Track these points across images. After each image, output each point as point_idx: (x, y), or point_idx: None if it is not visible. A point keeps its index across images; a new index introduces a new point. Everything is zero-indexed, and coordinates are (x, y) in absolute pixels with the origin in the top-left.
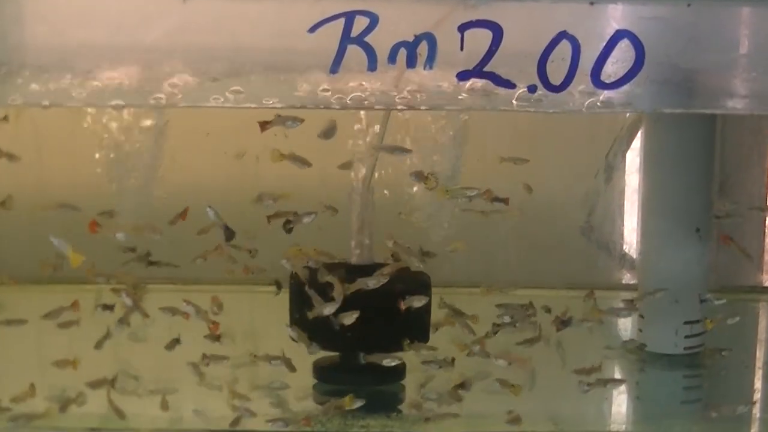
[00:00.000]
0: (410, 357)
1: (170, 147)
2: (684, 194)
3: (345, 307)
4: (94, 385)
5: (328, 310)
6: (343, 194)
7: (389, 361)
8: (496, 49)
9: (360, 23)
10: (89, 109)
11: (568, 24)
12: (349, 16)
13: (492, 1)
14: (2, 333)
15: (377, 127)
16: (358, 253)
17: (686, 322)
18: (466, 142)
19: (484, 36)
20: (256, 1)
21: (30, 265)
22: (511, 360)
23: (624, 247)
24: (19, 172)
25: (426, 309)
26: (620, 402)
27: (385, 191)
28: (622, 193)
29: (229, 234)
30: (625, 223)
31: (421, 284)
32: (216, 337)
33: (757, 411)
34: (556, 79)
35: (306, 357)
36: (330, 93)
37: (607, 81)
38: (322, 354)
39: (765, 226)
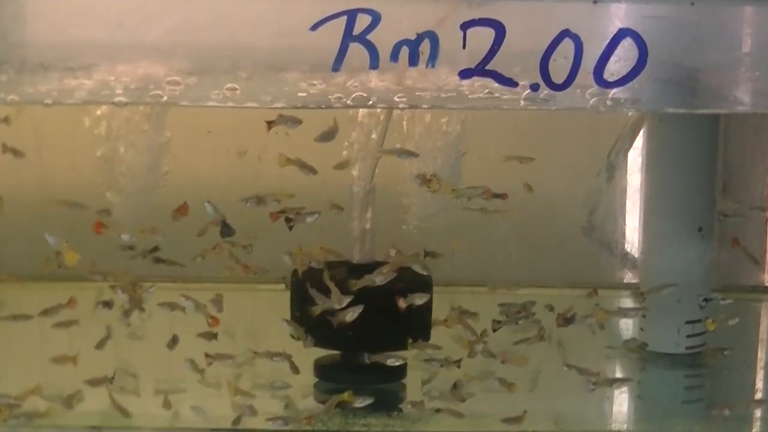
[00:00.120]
0: (407, 354)
1: (172, 145)
2: (687, 193)
3: (346, 306)
4: (94, 382)
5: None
6: (345, 193)
7: (393, 361)
8: (499, 48)
9: (362, 21)
10: (90, 108)
11: (571, 22)
12: (351, 14)
13: (494, 0)
14: (6, 328)
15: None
16: (359, 251)
17: (688, 322)
18: (467, 141)
19: (487, 34)
20: (258, 0)
21: (31, 262)
22: (506, 359)
23: (626, 247)
24: (19, 170)
25: (427, 307)
26: (622, 401)
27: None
28: (624, 192)
29: (227, 230)
30: (627, 222)
31: (422, 282)
32: (213, 335)
33: (758, 411)
34: (558, 77)
35: (307, 356)
36: (332, 91)
37: (609, 80)
38: (324, 353)
39: (767, 225)
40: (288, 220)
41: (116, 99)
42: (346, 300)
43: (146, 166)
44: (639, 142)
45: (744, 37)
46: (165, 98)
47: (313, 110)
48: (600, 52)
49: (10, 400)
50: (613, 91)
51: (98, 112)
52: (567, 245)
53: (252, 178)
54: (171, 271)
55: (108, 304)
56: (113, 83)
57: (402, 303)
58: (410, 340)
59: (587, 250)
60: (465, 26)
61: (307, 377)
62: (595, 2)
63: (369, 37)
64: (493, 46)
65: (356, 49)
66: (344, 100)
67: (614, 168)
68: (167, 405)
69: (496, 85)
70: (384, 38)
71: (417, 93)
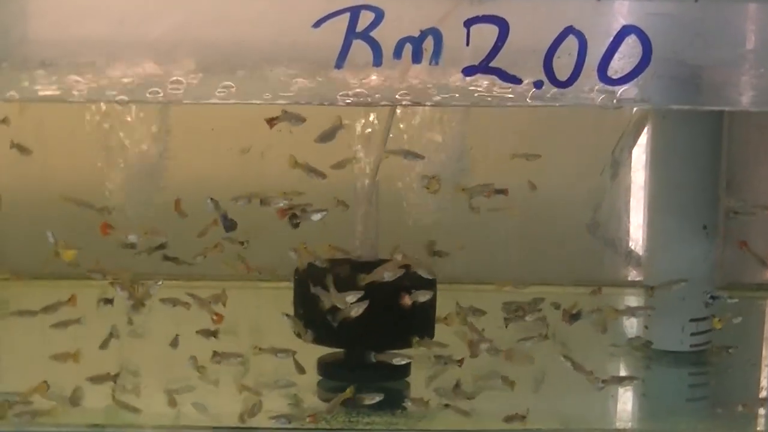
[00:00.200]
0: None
1: (174, 143)
2: (691, 191)
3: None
4: (97, 380)
5: (349, 305)
6: (348, 190)
7: (399, 360)
8: (502, 45)
9: (365, 18)
10: (91, 106)
11: (575, 19)
12: (354, 11)
13: None
14: (10, 325)
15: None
16: (362, 249)
17: (692, 320)
18: (470, 139)
19: (490, 31)
20: None
21: (33, 260)
22: (511, 357)
23: (630, 244)
24: (21, 168)
25: (431, 304)
26: (626, 399)
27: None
28: (628, 189)
29: (229, 224)
30: (631, 219)
31: (425, 280)
32: (212, 333)
33: (763, 408)
34: (562, 74)
35: (310, 354)
36: (335, 89)
37: (613, 77)
38: (327, 351)
39: None
40: (293, 217)
41: (118, 97)
42: (349, 298)
43: (148, 164)
44: (643, 139)
45: (748, 34)
46: (167, 96)
47: (316, 108)
48: (604, 49)
49: (17, 398)
50: (617, 88)
51: (100, 111)
52: (571, 243)
53: (254, 176)
54: (175, 269)
55: (109, 302)
56: (115, 81)
57: (406, 300)
58: (416, 338)
59: (591, 247)
60: (468, 23)
61: (311, 375)
62: None
63: (372, 34)
64: (496, 43)
65: (359, 46)
66: (347, 97)
67: (618, 165)
68: (173, 403)
69: (500, 82)
70: (387, 35)
71: (420, 90)
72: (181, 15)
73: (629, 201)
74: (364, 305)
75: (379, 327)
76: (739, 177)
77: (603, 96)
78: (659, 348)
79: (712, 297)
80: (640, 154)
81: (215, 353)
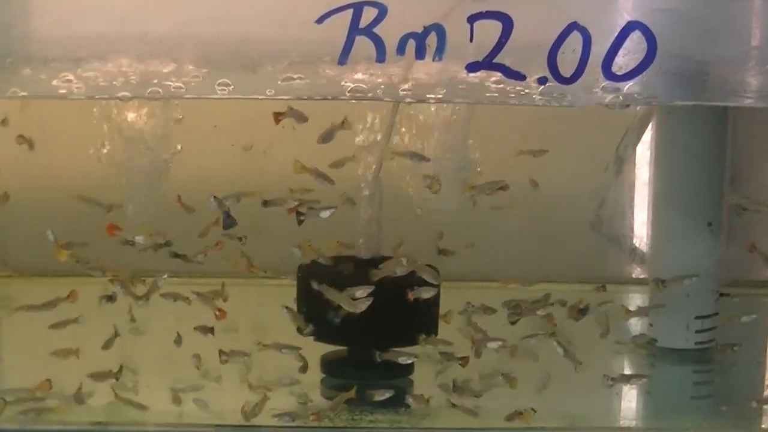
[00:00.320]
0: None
1: (177, 140)
2: (696, 187)
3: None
4: (98, 377)
5: (358, 305)
6: (352, 188)
7: (405, 359)
8: (506, 41)
9: (368, 14)
10: (94, 102)
11: (579, 15)
12: (357, 7)
13: None
14: (15, 321)
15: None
16: (366, 246)
17: (697, 317)
18: (473, 136)
19: (494, 27)
20: None
21: (36, 257)
22: (515, 354)
23: (634, 241)
24: (24, 166)
25: (435, 301)
26: (630, 397)
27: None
28: (632, 186)
29: (229, 222)
30: (636, 216)
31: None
32: (209, 329)
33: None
34: (566, 71)
35: (314, 352)
36: (338, 84)
37: (618, 73)
38: (330, 348)
39: None
40: (299, 214)
41: (120, 93)
42: (359, 293)
43: (151, 161)
44: (648, 135)
45: (753, 30)
46: (170, 92)
47: (320, 107)
48: (608, 45)
49: (22, 395)
50: (622, 85)
51: (103, 107)
52: (575, 240)
53: (257, 173)
54: (177, 266)
55: (111, 299)
56: (117, 78)
57: (410, 295)
58: (422, 336)
59: (595, 244)
60: (472, 19)
61: (314, 373)
62: None
63: (375, 30)
64: (500, 39)
65: (362, 42)
66: (350, 93)
67: (623, 162)
68: (177, 400)
69: (504, 78)
70: (390, 31)
71: (424, 86)
72: (183, 11)
73: (633, 198)
74: (368, 302)
75: (382, 325)
76: (744, 173)
77: (607, 93)
78: (664, 345)
79: (721, 294)
80: (644, 150)
81: (221, 352)
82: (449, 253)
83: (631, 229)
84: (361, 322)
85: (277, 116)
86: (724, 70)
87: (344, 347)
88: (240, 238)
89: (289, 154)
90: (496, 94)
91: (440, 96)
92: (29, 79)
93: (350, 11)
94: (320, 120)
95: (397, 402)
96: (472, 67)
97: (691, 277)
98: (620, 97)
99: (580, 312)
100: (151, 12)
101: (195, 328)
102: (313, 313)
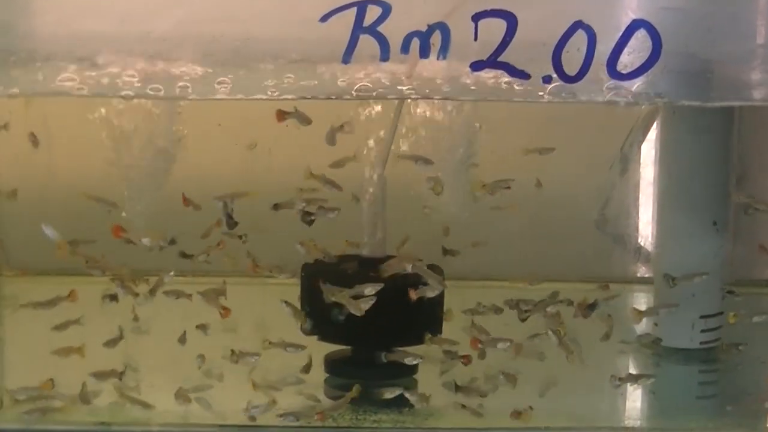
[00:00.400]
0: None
1: (181, 138)
2: (701, 187)
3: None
4: (101, 376)
5: (364, 304)
6: (357, 186)
7: (411, 360)
8: (511, 39)
9: (372, 12)
10: (98, 100)
11: (584, 13)
12: (361, 6)
13: None
14: (15, 320)
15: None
16: (370, 245)
17: (702, 317)
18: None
19: (498, 26)
20: None
21: (40, 256)
22: (520, 352)
23: (639, 240)
24: (26, 164)
25: (439, 301)
26: (635, 397)
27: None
28: (637, 185)
29: (230, 224)
30: (641, 215)
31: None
32: (203, 327)
33: None
34: (571, 69)
35: (317, 352)
36: (342, 83)
37: (623, 71)
38: (334, 348)
39: None
40: (307, 214)
41: (123, 92)
42: (367, 290)
43: (155, 160)
44: (653, 134)
45: (759, 28)
46: (173, 92)
47: (324, 106)
48: (613, 43)
49: (33, 393)
50: (627, 83)
51: (106, 106)
52: (579, 239)
53: (263, 171)
54: (180, 265)
55: (114, 298)
56: (121, 76)
57: (413, 294)
58: (428, 335)
59: (600, 244)
60: (476, 17)
61: (317, 372)
62: None
63: (379, 28)
64: (504, 37)
65: (366, 41)
66: (354, 91)
67: (627, 160)
68: (186, 399)
69: (508, 77)
70: (394, 30)
71: (428, 84)
72: (186, 10)
73: (638, 197)
74: (371, 302)
75: (386, 325)
76: (750, 172)
77: (612, 91)
78: (669, 345)
79: (728, 292)
80: (649, 149)
81: (232, 352)
82: (455, 253)
83: (636, 229)
84: (365, 321)
85: (282, 114)
86: (729, 68)
87: (348, 346)
88: (240, 237)
89: (294, 153)
90: (501, 92)
91: (444, 94)
92: (31, 78)
93: (354, 10)
94: (328, 118)
95: (400, 402)
96: (476, 66)
97: (701, 275)
98: (624, 95)
99: (590, 307)
100: (155, 11)
101: (197, 327)
102: (317, 312)
